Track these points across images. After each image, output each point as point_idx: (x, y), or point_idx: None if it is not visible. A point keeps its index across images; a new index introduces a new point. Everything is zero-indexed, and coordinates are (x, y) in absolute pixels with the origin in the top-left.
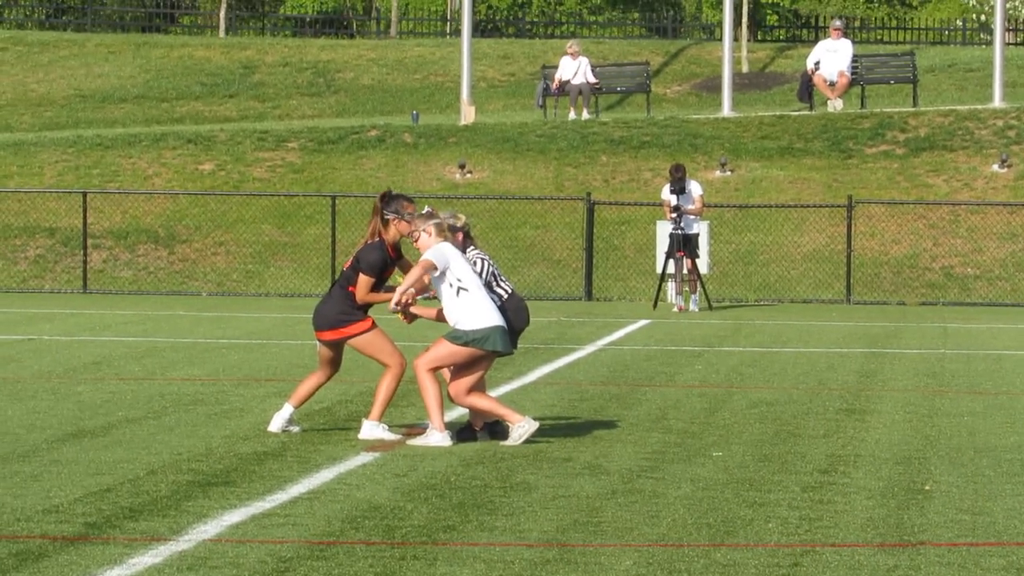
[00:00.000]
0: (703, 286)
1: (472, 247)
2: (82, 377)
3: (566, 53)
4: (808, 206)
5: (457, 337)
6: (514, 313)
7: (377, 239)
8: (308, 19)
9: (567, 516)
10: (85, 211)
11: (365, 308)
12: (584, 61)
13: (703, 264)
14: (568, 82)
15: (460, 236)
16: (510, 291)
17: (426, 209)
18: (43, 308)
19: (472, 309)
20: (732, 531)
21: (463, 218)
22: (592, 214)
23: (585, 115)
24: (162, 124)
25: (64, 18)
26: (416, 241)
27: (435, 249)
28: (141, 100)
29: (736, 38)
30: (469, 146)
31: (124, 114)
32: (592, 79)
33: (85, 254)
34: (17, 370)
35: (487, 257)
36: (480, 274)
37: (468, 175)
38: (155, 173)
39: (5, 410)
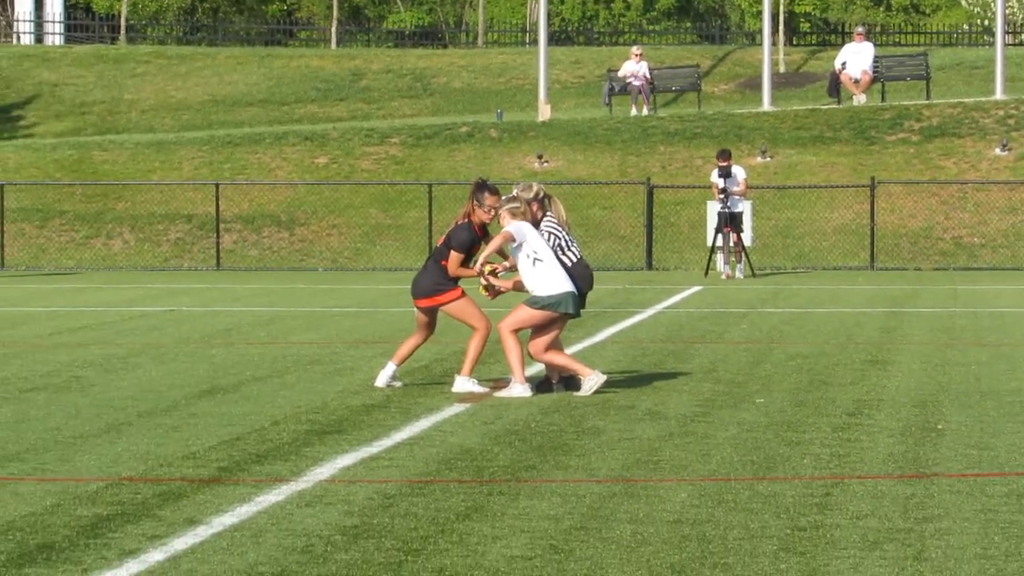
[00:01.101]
0: (747, 256)
1: (548, 215)
2: (216, 342)
3: (630, 58)
4: (837, 187)
5: (535, 302)
6: (580, 279)
7: (467, 220)
8: (408, 32)
9: (631, 456)
10: (217, 200)
11: (456, 279)
12: (644, 65)
13: (747, 237)
14: (630, 83)
15: (535, 207)
16: (577, 258)
17: (514, 191)
18: (182, 284)
19: (547, 278)
20: (772, 466)
21: (535, 187)
22: (651, 196)
23: (645, 111)
24: (283, 124)
25: (199, 34)
26: (500, 220)
27: (515, 224)
28: (265, 104)
29: (774, 43)
30: (546, 139)
31: (250, 116)
32: (647, 76)
33: (218, 236)
34: (160, 337)
35: (556, 228)
36: (549, 244)
37: (545, 164)
38: (277, 166)
39: (149, 371)
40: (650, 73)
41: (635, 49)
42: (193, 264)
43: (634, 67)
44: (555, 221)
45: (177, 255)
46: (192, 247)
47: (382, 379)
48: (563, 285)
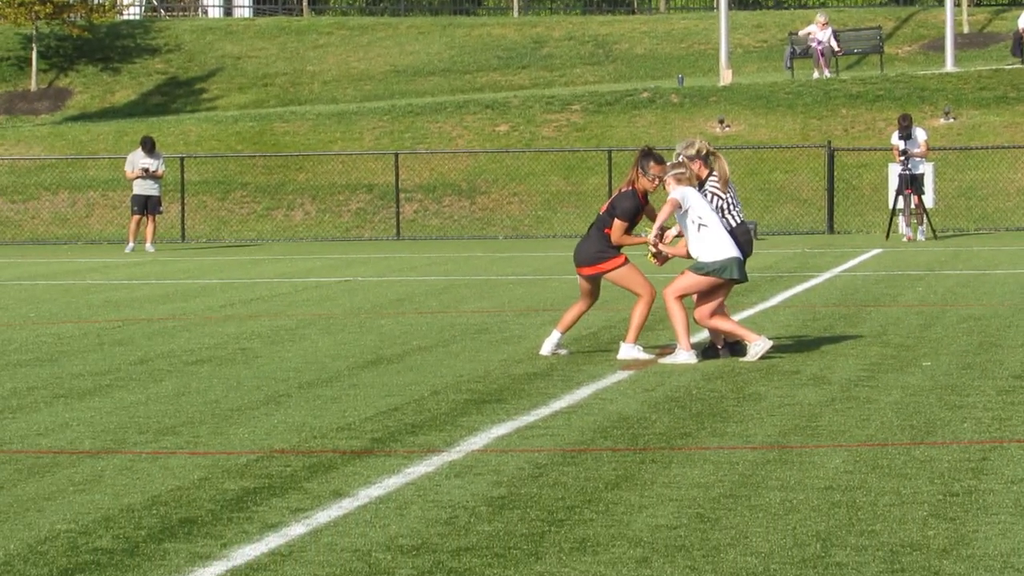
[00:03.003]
0: (928, 218)
1: (713, 175)
2: (386, 312)
3: (813, 22)
4: (1021, 147)
5: (699, 268)
6: (740, 244)
7: (630, 188)
8: None
9: (789, 422)
10: (397, 169)
11: (619, 247)
12: (829, 31)
13: (928, 199)
14: (811, 45)
15: (698, 164)
16: (738, 221)
17: (677, 149)
18: (361, 254)
19: (712, 243)
20: (932, 431)
21: (697, 143)
22: (833, 159)
23: (827, 74)
24: (464, 93)
25: (381, 4)
26: (666, 186)
27: (679, 190)
28: (446, 73)
29: (958, 3)
30: (727, 104)
31: (432, 85)
32: (835, 46)
33: (398, 206)
34: (331, 307)
35: (719, 189)
36: (712, 205)
37: (727, 129)
38: (458, 135)
39: (316, 342)
40: (836, 38)
41: (820, 17)
42: (374, 234)
43: (819, 33)
44: (718, 181)
45: (358, 225)
46: (373, 217)
47: (547, 347)
48: (728, 251)
